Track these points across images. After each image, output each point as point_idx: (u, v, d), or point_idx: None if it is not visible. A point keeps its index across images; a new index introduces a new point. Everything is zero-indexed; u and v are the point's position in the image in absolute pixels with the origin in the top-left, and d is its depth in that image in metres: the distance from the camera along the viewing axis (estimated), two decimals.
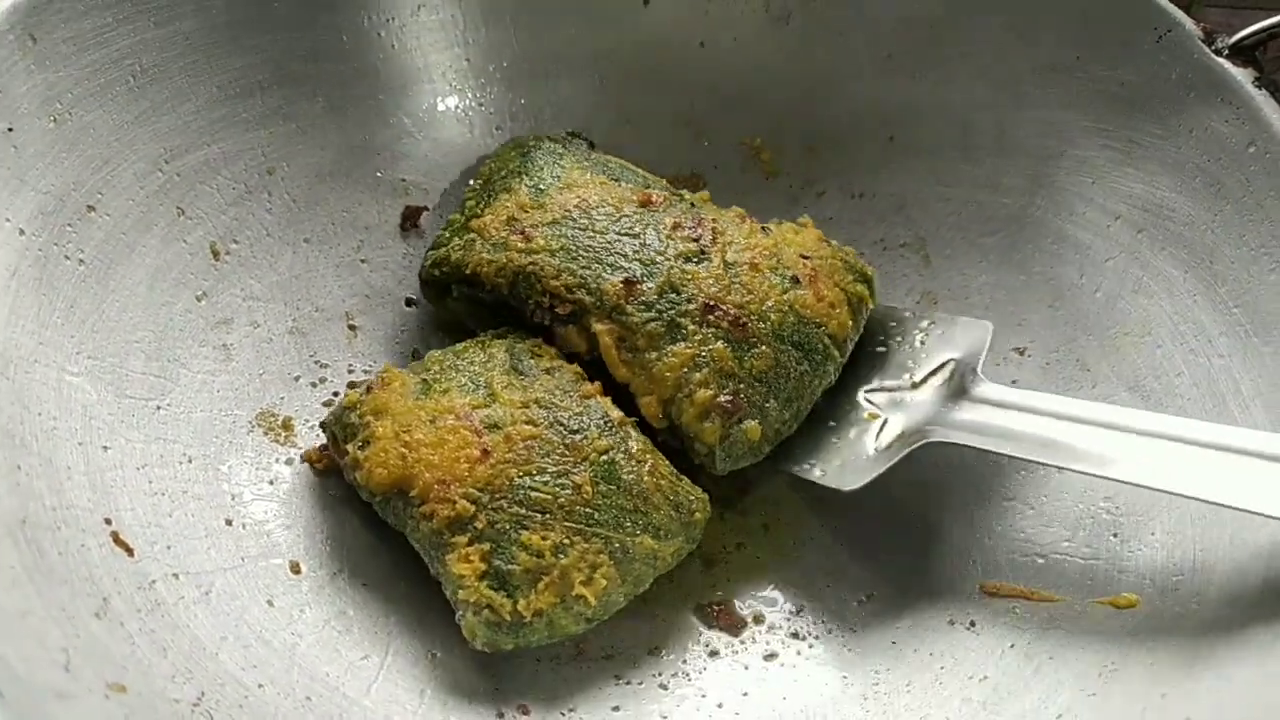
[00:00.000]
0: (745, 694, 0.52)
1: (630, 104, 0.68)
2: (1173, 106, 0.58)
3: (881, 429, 0.57)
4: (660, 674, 0.53)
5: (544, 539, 0.49)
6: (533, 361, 0.55)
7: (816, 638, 0.55)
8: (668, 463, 0.54)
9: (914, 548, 0.58)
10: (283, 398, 0.58)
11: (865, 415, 0.58)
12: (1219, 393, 0.54)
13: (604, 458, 0.52)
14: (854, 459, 0.56)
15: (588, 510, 0.51)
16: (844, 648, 0.55)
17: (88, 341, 0.52)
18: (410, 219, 0.65)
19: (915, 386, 0.58)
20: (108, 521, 0.47)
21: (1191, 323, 0.56)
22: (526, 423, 0.52)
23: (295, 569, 0.53)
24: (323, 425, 0.56)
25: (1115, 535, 0.54)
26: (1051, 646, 0.51)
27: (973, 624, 0.53)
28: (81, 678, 0.39)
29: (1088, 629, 0.51)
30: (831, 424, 0.59)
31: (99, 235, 0.54)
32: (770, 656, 0.54)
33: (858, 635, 0.55)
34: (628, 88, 0.68)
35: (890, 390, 0.58)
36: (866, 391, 0.59)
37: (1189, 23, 0.58)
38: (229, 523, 0.53)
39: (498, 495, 0.50)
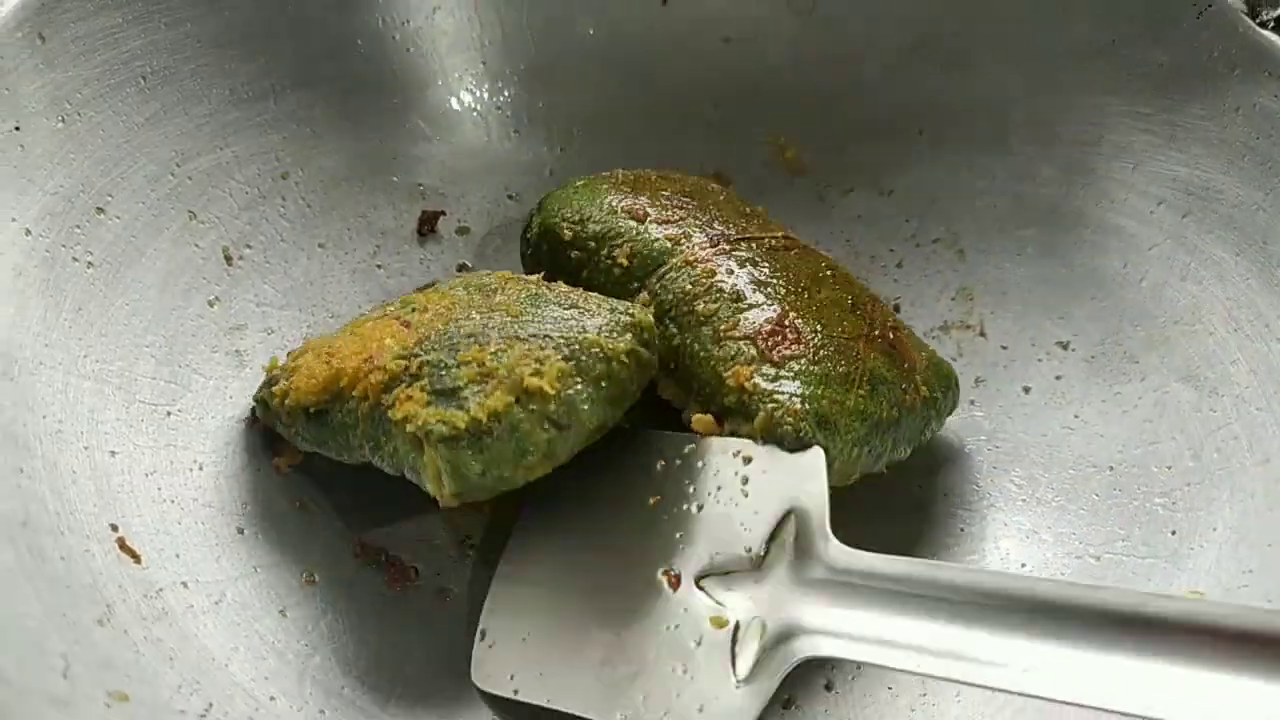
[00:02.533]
0: (785, 704, 0.50)
1: (651, 104, 0.67)
2: (1216, 84, 0.56)
3: (735, 642, 0.43)
4: None
5: (481, 350, 0.46)
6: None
7: None
8: (597, 294, 0.51)
9: (959, 551, 0.55)
10: None
11: (708, 623, 0.44)
12: None
13: (525, 293, 0.50)
14: (712, 699, 0.42)
15: (519, 326, 0.47)
16: None
17: (95, 345, 0.50)
18: (428, 223, 0.64)
19: (756, 564, 0.45)
20: (114, 528, 0.45)
21: (1246, 308, 0.54)
22: (446, 300, 0.51)
23: (310, 579, 0.50)
24: (253, 409, 0.54)
25: (1174, 533, 0.51)
26: None
27: None
28: (81, 685, 0.37)
29: None
30: (667, 642, 0.44)
31: (108, 237, 0.52)
32: (807, 672, 0.51)
33: None
34: (648, 87, 0.67)
35: (726, 572, 0.45)
36: (700, 577, 0.46)
37: None
38: (241, 531, 0.50)
39: (426, 346, 0.47)
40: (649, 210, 0.56)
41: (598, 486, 0.50)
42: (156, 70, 0.56)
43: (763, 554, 0.45)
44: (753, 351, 0.50)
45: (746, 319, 0.51)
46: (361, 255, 0.62)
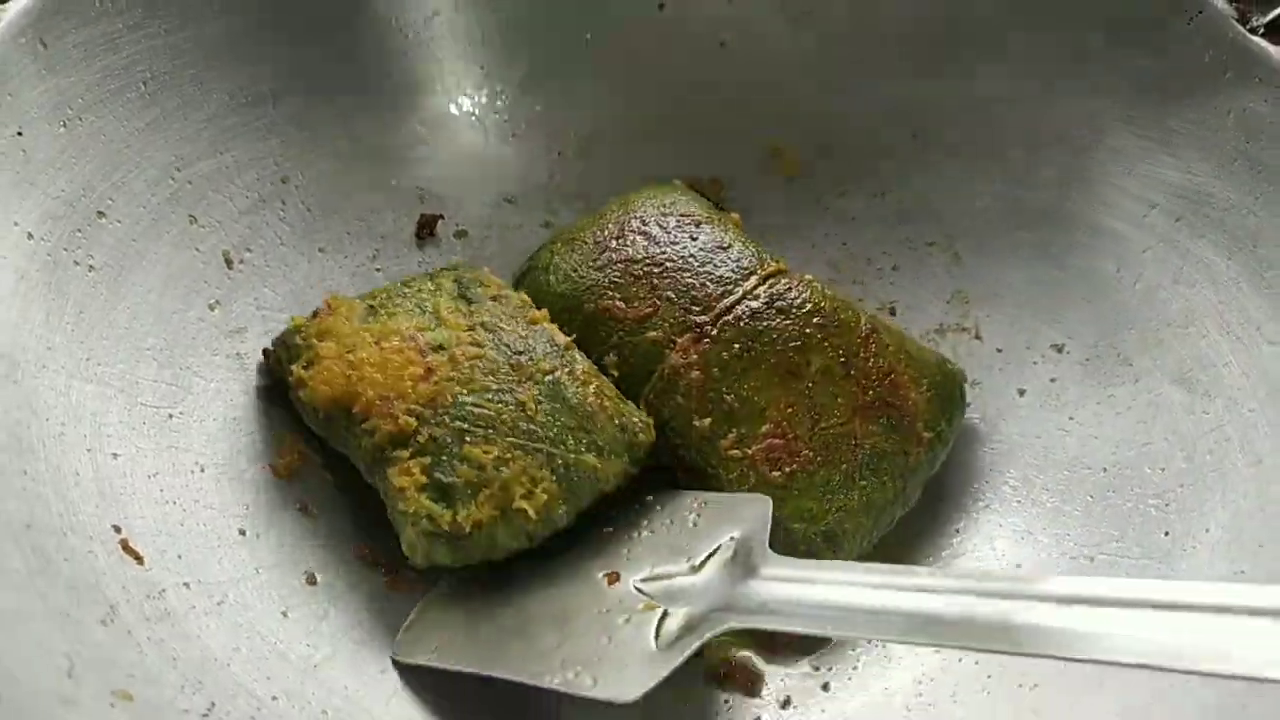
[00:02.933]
0: (783, 705, 0.50)
1: (648, 108, 0.67)
2: (1208, 89, 0.57)
3: (661, 621, 0.46)
4: None
5: (486, 453, 0.49)
6: (480, 290, 0.56)
7: (853, 648, 0.53)
8: (613, 387, 0.53)
9: (954, 552, 0.55)
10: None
11: (640, 606, 0.47)
12: (1272, 381, 0.52)
13: (548, 377, 0.52)
14: (631, 660, 0.45)
15: (531, 427, 0.50)
16: (884, 657, 0.52)
17: (97, 348, 0.50)
18: (426, 227, 0.64)
19: (695, 570, 0.48)
20: (116, 529, 0.46)
21: (1238, 311, 0.54)
22: (471, 344, 0.52)
23: (311, 580, 0.51)
24: (265, 352, 0.56)
25: (1167, 533, 0.52)
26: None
27: None
28: (85, 684, 0.37)
29: None
30: (598, 620, 0.47)
31: (109, 241, 0.53)
32: (813, 669, 0.52)
33: (897, 648, 0.52)
34: (645, 92, 0.67)
35: (666, 578, 0.48)
36: (640, 581, 0.49)
37: (1220, 2, 0.56)
38: (243, 533, 0.51)
39: (440, 411, 0.50)
40: (625, 305, 0.56)
41: None
42: (157, 75, 0.56)
43: (700, 564, 0.48)
44: (755, 476, 0.52)
45: (744, 435, 0.53)
46: (361, 259, 0.62)
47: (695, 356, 0.54)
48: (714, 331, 0.54)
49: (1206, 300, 0.56)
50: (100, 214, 0.53)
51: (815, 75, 0.67)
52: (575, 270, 0.58)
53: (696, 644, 0.45)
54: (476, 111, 0.66)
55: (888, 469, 0.53)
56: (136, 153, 0.55)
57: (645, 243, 0.58)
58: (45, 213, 0.50)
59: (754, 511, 0.49)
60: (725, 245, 0.57)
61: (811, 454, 0.52)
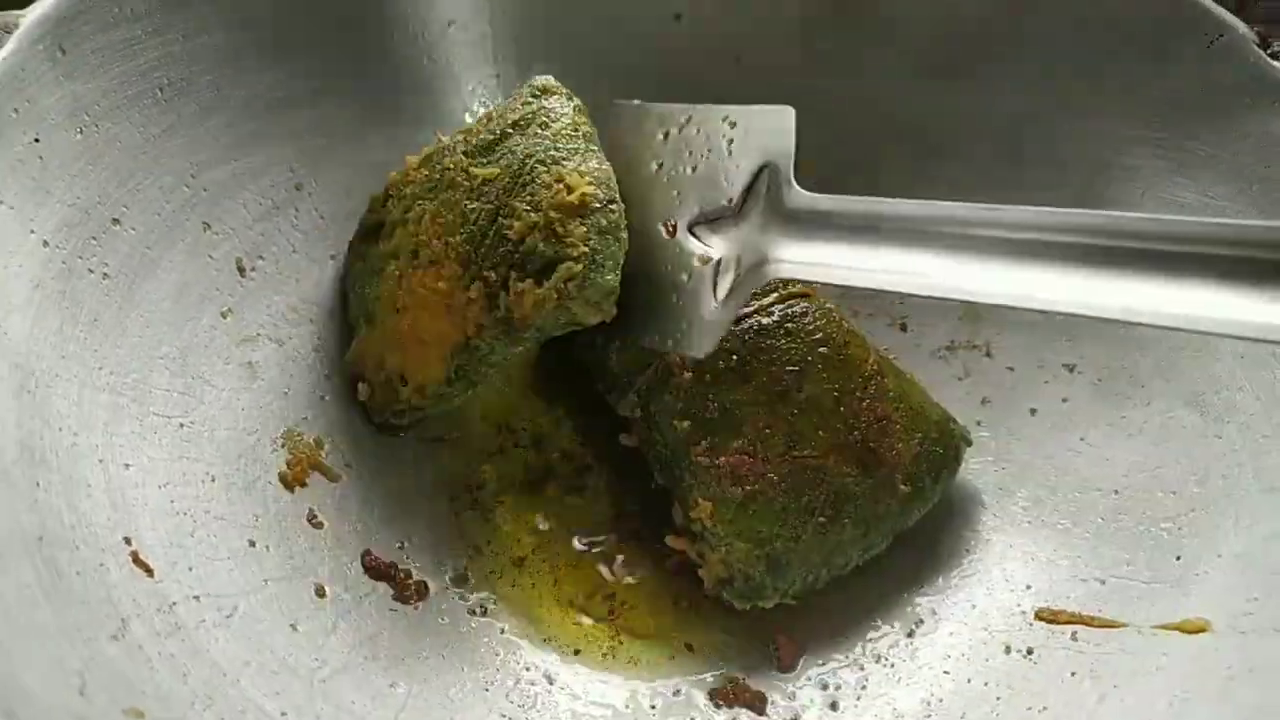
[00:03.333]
0: None
1: None
2: (1226, 112, 0.56)
3: (717, 273, 0.51)
4: None
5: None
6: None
7: (861, 668, 0.53)
8: None
9: (963, 573, 0.55)
10: (307, 417, 0.56)
11: (696, 261, 0.52)
12: None
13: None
14: (698, 318, 0.51)
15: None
16: (893, 678, 0.52)
17: (110, 356, 0.50)
18: None
19: (738, 211, 0.51)
20: (127, 541, 0.46)
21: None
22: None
23: (320, 592, 0.51)
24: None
25: (1178, 558, 0.51)
26: (1115, 675, 0.48)
27: (1030, 651, 0.51)
28: (97, 702, 0.37)
29: (1154, 656, 0.48)
30: (665, 277, 0.53)
31: (124, 249, 0.52)
32: (821, 688, 0.52)
33: (907, 665, 0.52)
34: (660, 98, 0.67)
35: (713, 220, 0.52)
36: (691, 225, 0.53)
37: (1241, 26, 0.56)
38: (253, 544, 0.51)
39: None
40: None
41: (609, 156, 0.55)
42: (174, 82, 0.55)
43: (741, 203, 0.51)
44: (716, 488, 0.52)
45: (717, 444, 0.53)
46: None
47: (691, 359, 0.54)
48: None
49: None
50: (115, 221, 0.52)
51: (832, 88, 0.66)
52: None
53: (747, 295, 0.50)
54: None
55: (851, 512, 0.53)
56: (152, 159, 0.55)
57: None
58: (61, 220, 0.50)
59: (774, 127, 0.51)
60: None
61: (776, 478, 0.52)
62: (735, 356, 0.54)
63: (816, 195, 0.49)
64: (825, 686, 0.52)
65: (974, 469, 0.58)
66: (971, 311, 0.63)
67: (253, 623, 0.47)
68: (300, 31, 0.60)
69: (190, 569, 0.47)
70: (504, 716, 0.49)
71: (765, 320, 0.55)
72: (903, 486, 0.54)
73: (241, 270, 0.57)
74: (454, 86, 0.65)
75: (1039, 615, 0.52)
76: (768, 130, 0.52)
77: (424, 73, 0.64)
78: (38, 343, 0.47)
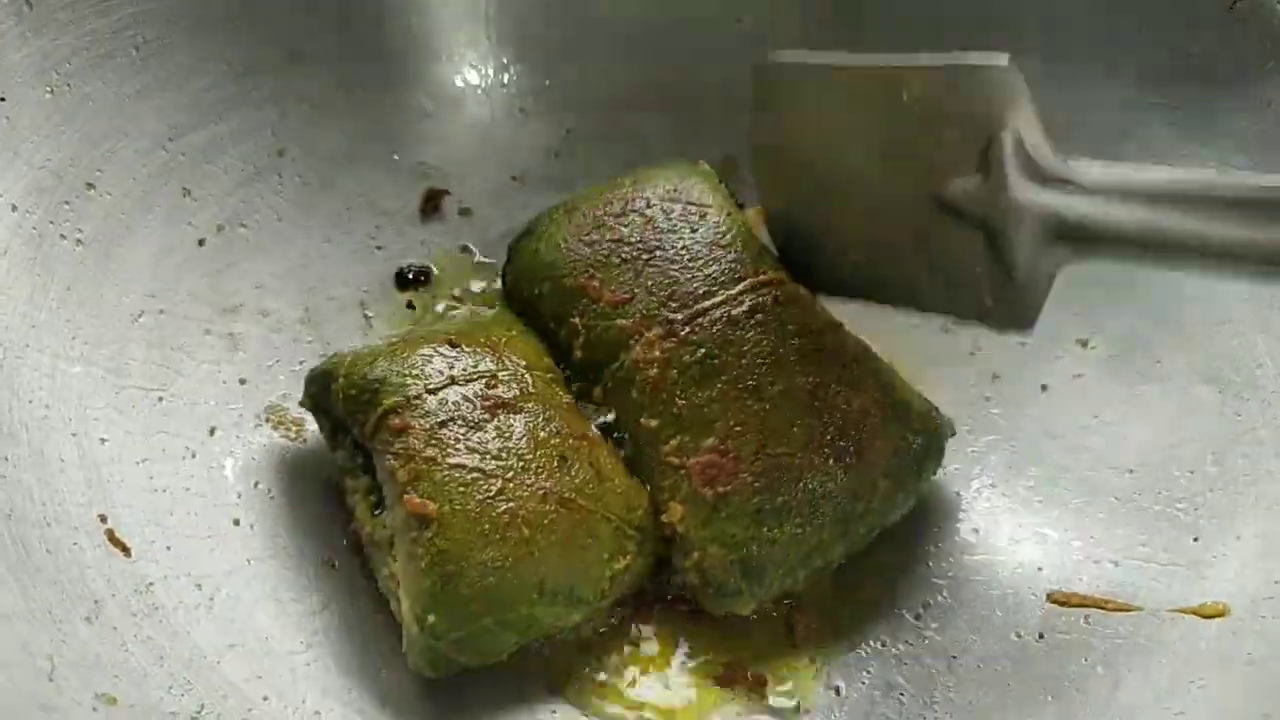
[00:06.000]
0: (794, 713, 0.48)
1: (660, 85, 0.65)
2: (1248, 78, 0.55)
3: (1000, 241, 0.47)
4: None
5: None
6: None
7: (865, 653, 0.51)
8: None
9: (973, 554, 0.53)
10: (292, 392, 0.54)
11: (966, 235, 0.47)
12: None
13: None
14: (1001, 290, 0.47)
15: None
16: (897, 663, 0.51)
17: (85, 327, 0.48)
18: (432, 202, 0.62)
19: (984, 175, 0.46)
20: (103, 519, 0.44)
21: (1275, 308, 0.52)
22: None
23: (307, 573, 0.49)
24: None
25: (1196, 539, 0.50)
26: (1130, 660, 0.47)
27: (1041, 636, 0.49)
28: (67, 687, 0.36)
29: (1171, 641, 0.46)
30: (944, 254, 0.49)
31: (98, 214, 0.50)
32: (824, 673, 0.50)
33: (912, 650, 0.51)
34: (658, 69, 0.65)
35: (969, 190, 0.47)
36: (950, 196, 0.48)
37: None
38: (236, 523, 0.49)
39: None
40: (602, 284, 0.53)
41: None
42: (150, 41, 0.53)
43: (986, 167, 0.46)
44: (687, 487, 0.49)
45: (687, 443, 0.50)
46: (361, 236, 0.60)
47: (658, 354, 0.51)
48: (684, 332, 0.51)
49: (1238, 297, 0.54)
50: (89, 185, 0.50)
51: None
52: (565, 241, 0.55)
53: (1058, 268, 0.46)
54: (483, 85, 0.64)
55: (828, 512, 0.50)
56: (127, 121, 0.53)
57: (642, 225, 0.55)
58: (30, 184, 0.48)
59: (1002, 87, 0.46)
60: (725, 244, 0.54)
61: (750, 478, 0.49)
62: (703, 350, 0.51)
63: (1072, 161, 0.46)
64: (828, 671, 0.51)
65: (983, 447, 0.57)
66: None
67: (235, 604, 0.46)
68: None
69: (169, 548, 0.45)
70: (497, 701, 0.47)
71: (735, 311, 0.52)
72: (883, 482, 0.51)
73: (223, 238, 0.55)
74: (443, 50, 0.63)
75: (1051, 598, 0.50)
76: (992, 89, 0.46)
77: (413, 35, 0.62)
78: (6, 312, 0.45)
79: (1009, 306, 0.48)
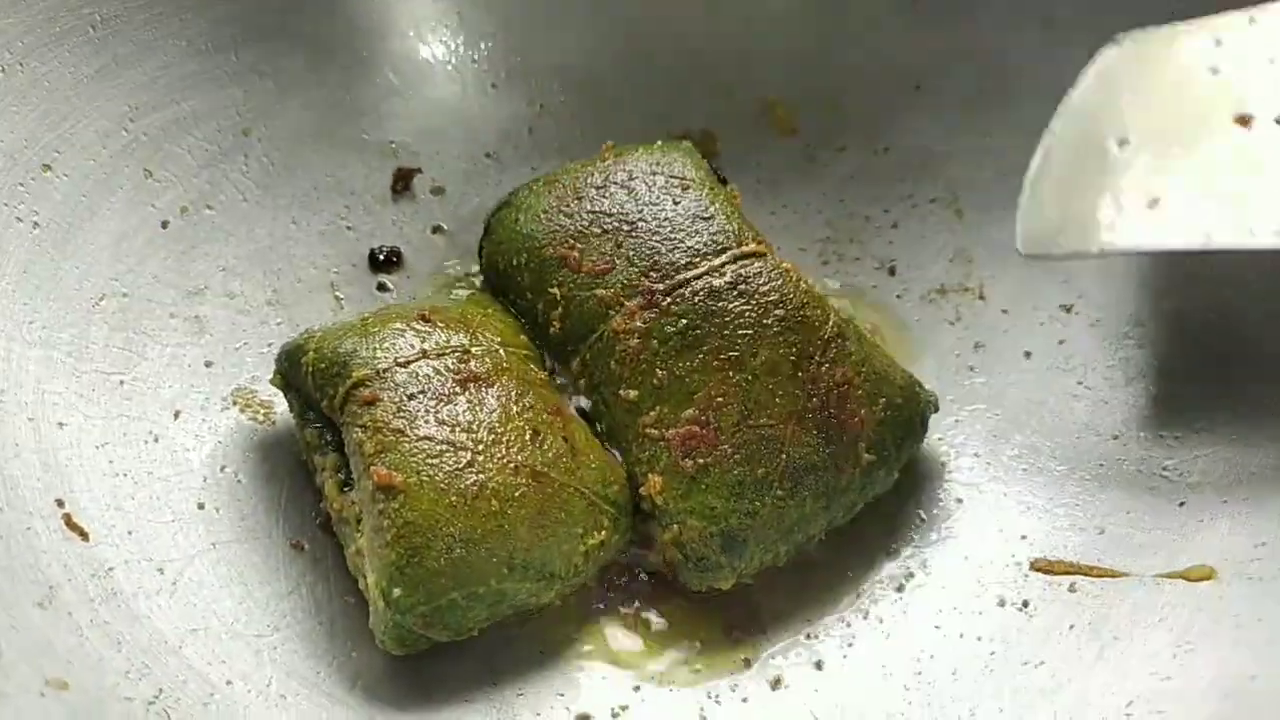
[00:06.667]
0: (773, 685, 0.47)
1: (637, 57, 0.64)
2: None
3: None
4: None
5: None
6: None
7: (848, 624, 0.50)
8: None
9: (955, 523, 0.52)
10: (260, 374, 0.53)
11: None
12: None
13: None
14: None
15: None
16: (882, 635, 0.49)
17: (43, 309, 0.47)
18: (402, 180, 0.61)
19: None
20: (60, 503, 0.43)
21: (1261, 269, 0.51)
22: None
23: (274, 557, 0.48)
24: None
25: (1182, 504, 0.49)
26: (1116, 626, 0.45)
27: (1025, 604, 0.48)
28: (15, 673, 0.35)
29: (1157, 606, 0.45)
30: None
31: (56, 197, 0.49)
32: (805, 646, 0.49)
33: (897, 621, 0.50)
34: (633, 40, 0.64)
35: None
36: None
37: None
38: (201, 506, 0.48)
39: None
40: (581, 255, 0.52)
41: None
42: (107, 18, 0.52)
43: None
44: (666, 459, 0.48)
45: (666, 415, 0.49)
46: (329, 216, 0.59)
47: (638, 324, 0.50)
48: (665, 302, 0.50)
49: (1226, 257, 0.52)
50: (46, 167, 0.50)
51: (813, 25, 0.63)
52: (545, 212, 0.54)
53: None
54: (453, 60, 0.63)
55: (811, 484, 0.49)
56: (85, 102, 0.52)
57: (624, 197, 0.54)
58: None
59: None
60: (707, 216, 0.53)
61: (730, 450, 0.48)
62: (685, 321, 0.50)
63: None
64: (810, 644, 0.50)
65: (966, 416, 0.56)
66: (964, 254, 0.60)
67: (198, 588, 0.45)
68: None
69: (130, 533, 0.45)
70: (466, 686, 0.46)
71: (717, 282, 0.51)
72: (866, 455, 0.50)
73: (187, 220, 0.54)
74: (411, 22, 0.62)
75: (1035, 566, 0.49)
76: None
77: (380, 8, 0.61)
78: None
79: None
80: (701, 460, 0.48)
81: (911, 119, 0.62)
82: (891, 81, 0.62)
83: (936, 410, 0.53)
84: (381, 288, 0.59)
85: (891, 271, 0.61)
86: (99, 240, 0.51)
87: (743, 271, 0.51)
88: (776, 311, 0.51)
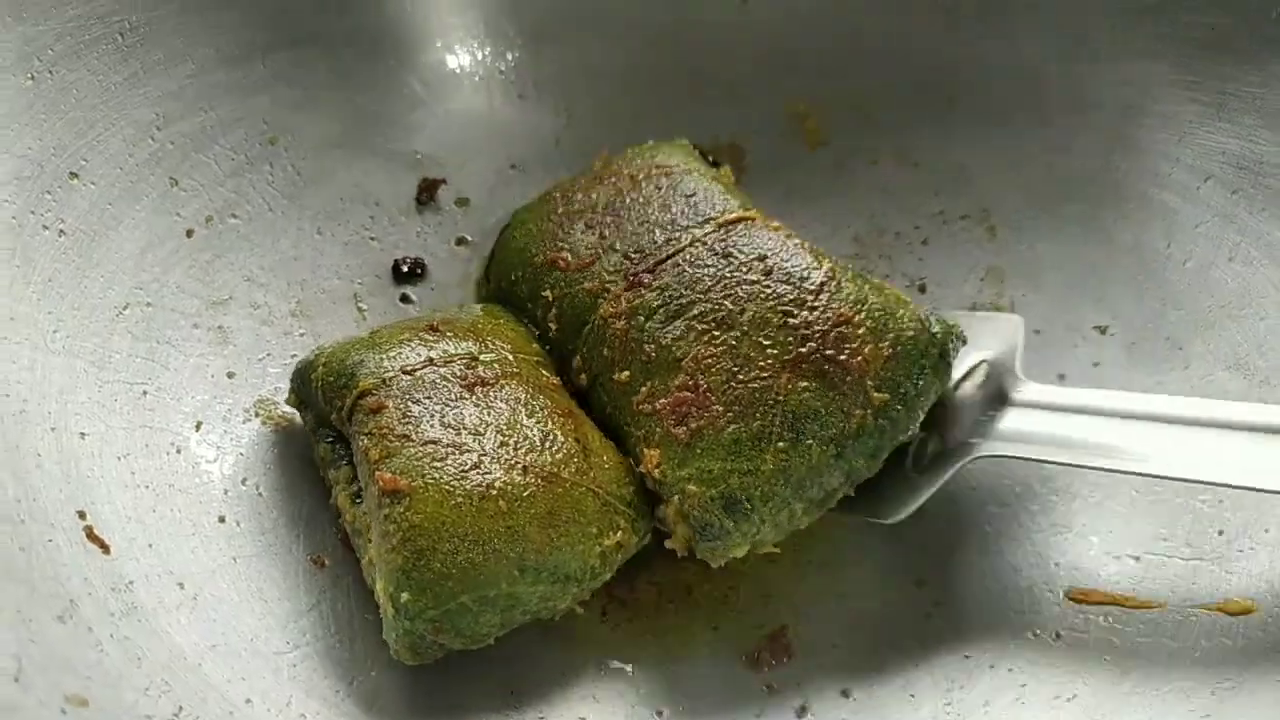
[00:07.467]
0: (799, 712, 0.46)
1: (664, 68, 0.63)
2: (1272, 49, 0.52)
3: (917, 447, 0.50)
4: None
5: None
6: None
7: (875, 652, 0.49)
8: None
9: (987, 550, 0.51)
10: (282, 386, 0.53)
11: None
12: None
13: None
14: (891, 484, 0.49)
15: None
16: (909, 664, 0.48)
17: (67, 318, 0.47)
18: (427, 191, 0.60)
19: (949, 395, 0.50)
20: (81, 515, 0.42)
21: None
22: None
23: (294, 571, 0.47)
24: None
25: (1221, 532, 0.48)
26: (1152, 660, 0.44)
27: (1058, 635, 0.47)
28: (34, 688, 0.34)
29: (1195, 640, 0.44)
30: None
31: (82, 205, 0.49)
32: (831, 675, 0.48)
33: (925, 649, 0.49)
34: (661, 50, 0.63)
35: None
36: None
37: None
38: (221, 520, 0.47)
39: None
40: (570, 255, 0.52)
41: None
42: (135, 27, 0.52)
43: (952, 389, 0.50)
44: (660, 431, 0.47)
45: (657, 387, 0.48)
46: (354, 226, 0.58)
47: (624, 305, 0.49)
48: (649, 279, 0.50)
49: (1266, 279, 0.52)
50: (73, 175, 0.49)
51: (845, 36, 0.62)
52: (537, 224, 0.54)
53: (951, 470, 0.48)
54: (480, 71, 0.62)
55: (815, 431, 0.46)
56: (113, 109, 0.51)
57: (610, 193, 0.54)
58: (10, 172, 0.47)
59: (1005, 333, 0.52)
60: (691, 193, 0.53)
61: (722, 409, 0.46)
62: (668, 291, 0.49)
63: (1052, 388, 0.50)
64: (836, 673, 0.49)
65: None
66: (995, 272, 0.59)
67: (218, 604, 0.44)
68: None
69: (151, 546, 0.44)
70: (483, 705, 0.45)
71: (699, 250, 0.50)
72: (877, 394, 0.47)
73: (212, 229, 0.54)
74: (439, 34, 0.61)
75: (1069, 596, 0.48)
76: (995, 336, 0.52)
77: (407, 19, 0.61)
78: None
79: (887, 499, 0.50)
80: (694, 424, 0.47)
81: (944, 133, 0.61)
82: (925, 94, 0.62)
83: (964, 342, 0.50)
84: (405, 299, 0.58)
85: (922, 289, 0.60)
86: (124, 249, 0.50)
87: (727, 235, 0.50)
88: (764, 262, 0.49)
